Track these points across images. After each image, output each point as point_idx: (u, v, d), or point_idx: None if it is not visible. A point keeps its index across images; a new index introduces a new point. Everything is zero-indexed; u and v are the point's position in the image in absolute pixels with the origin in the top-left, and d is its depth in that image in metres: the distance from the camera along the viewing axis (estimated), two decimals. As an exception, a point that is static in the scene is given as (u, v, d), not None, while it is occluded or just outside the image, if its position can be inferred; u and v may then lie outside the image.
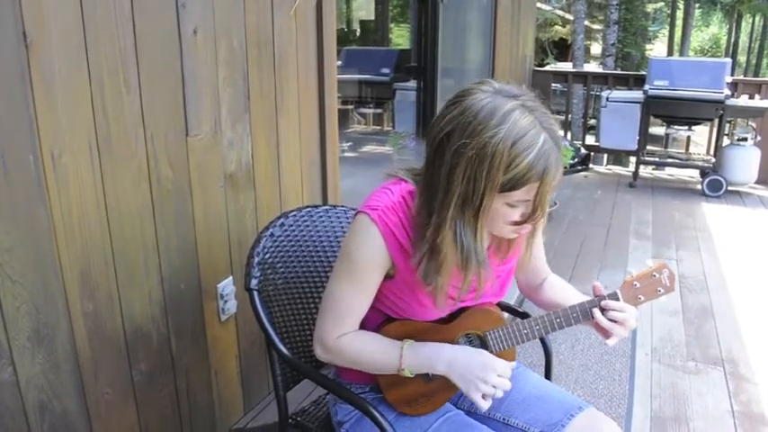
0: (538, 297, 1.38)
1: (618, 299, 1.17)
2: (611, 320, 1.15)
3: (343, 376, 1.32)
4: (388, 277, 1.15)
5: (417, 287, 1.14)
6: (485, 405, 1.10)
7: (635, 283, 1.18)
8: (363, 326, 1.21)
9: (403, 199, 1.12)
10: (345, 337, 1.17)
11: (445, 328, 1.21)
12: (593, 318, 1.16)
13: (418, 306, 1.17)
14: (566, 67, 13.31)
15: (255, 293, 1.34)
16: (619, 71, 11.69)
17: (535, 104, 1.02)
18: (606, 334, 1.17)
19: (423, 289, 1.14)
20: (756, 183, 5.33)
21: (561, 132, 1.09)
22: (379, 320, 1.22)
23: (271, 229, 1.43)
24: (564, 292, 1.33)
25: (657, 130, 6.82)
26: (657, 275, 1.17)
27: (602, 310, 1.16)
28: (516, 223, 1.06)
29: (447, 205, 1.03)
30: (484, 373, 1.09)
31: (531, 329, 1.20)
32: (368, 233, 1.10)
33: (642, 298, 1.18)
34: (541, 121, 1.00)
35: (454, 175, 1.01)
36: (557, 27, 18.58)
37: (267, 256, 1.40)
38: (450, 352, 1.14)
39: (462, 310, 1.23)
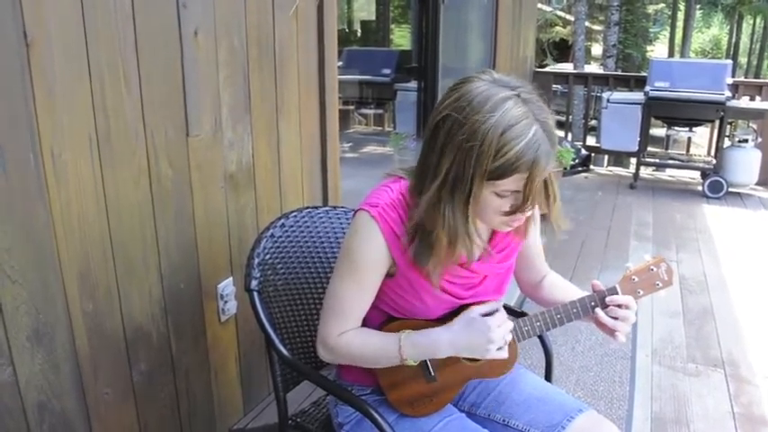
0: (538, 295, 1.39)
1: (617, 293, 1.17)
2: (613, 317, 1.15)
3: (345, 377, 1.31)
4: (388, 276, 1.15)
5: (418, 285, 1.14)
6: (503, 354, 1.12)
7: (633, 277, 1.18)
8: (365, 326, 1.20)
9: (402, 196, 1.13)
10: (346, 334, 1.17)
11: (446, 327, 1.21)
12: (593, 313, 1.17)
13: (419, 304, 1.17)
14: (566, 68, 13.31)
15: (255, 294, 1.34)
16: (619, 72, 11.66)
17: (531, 97, 1.02)
18: (607, 330, 1.17)
19: (423, 285, 1.14)
20: (757, 184, 5.32)
21: (556, 128, 1.09)
22: (380, 320, 1.22)
23: (271, 230, 1.43)
24: (564, 290, 1.34)
25: (658, 131, 6.82)
26: (655, 269, 1.18)
27: (605, 307, 1.16)
28: (506, 213, 1.06)
29: (436, 186, 1.04)
30: (486, 337, 1.10)
31: (532, 326, 1.20)
32: (368, 230, 1.11)
33: (641, 292, 1.18)
34: (535, 113, 1.00)
35: (444, 157, 1.02)
36: (557, 28, 18.58)
37: (267, 256, 1.40)
38: (449, 338, 1.14)
39: (463, 308, 1.23)
